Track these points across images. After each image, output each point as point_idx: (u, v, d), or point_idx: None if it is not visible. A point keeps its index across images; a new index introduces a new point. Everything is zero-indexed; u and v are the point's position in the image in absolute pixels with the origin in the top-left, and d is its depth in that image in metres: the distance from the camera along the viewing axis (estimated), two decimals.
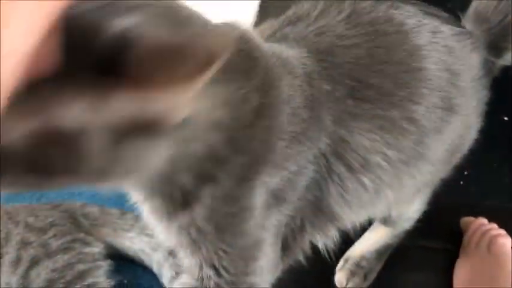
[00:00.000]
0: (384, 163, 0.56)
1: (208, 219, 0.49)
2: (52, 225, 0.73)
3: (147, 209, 0.50)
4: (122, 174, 0.36)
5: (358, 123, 0.54)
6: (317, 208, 0.58)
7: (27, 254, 0.70)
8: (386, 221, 0.76)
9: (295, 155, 0.51)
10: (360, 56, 0.53)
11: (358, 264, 0.82)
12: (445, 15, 0.58)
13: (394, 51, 0.53)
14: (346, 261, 0.82)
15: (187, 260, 0.55)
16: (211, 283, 0.54)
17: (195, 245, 0.51)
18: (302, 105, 0.50)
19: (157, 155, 0.37)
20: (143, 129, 0.33)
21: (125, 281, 0.74)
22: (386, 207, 0.65)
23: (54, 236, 0.73)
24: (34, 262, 0.70)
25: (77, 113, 0.29)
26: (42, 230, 0.73)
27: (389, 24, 0.54)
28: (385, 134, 0.55)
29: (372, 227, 0.81)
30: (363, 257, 0.82)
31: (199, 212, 0.48)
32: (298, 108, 0.50)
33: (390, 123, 0.55)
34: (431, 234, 0.79)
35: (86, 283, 0.69)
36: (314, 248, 0.61)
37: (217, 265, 0.53)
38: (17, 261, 0.70)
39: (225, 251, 0.52)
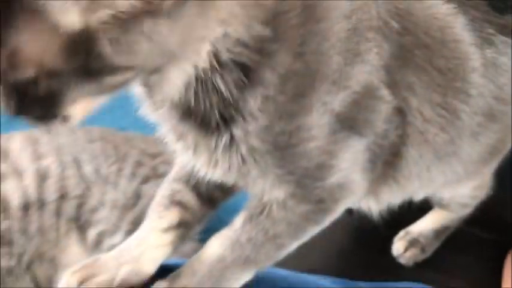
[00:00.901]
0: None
1: (262, 135, 0.47)
2: (161, 153, 0.87)
3: (187, 131, 0.49)
4: (142, 61, 0.39)
5: (418, 85, 0.53)
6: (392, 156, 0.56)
7: (140, 172, 0.87)
8: (440, 204, 0.78)
9: (358, 75, 0.49)
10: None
11: (416, 239, 0.86)
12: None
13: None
14: (406, 233, 0.87)
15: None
16: (273, 209, 0.53)
17: (246, 166, 0.49)
18: (366, 27, 0.49)
19: (170, 35, 0.38)
20: (145, 12, 0.35)
21: None
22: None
23: (162, 162, 0.87)
24: (145, 180, 0.86)
25: (76, 14, 0.34)
26: (155, 156, 0.89)
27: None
28: (440, 110, 0.55)
29: (431, 211, 0.84)
30: (421, 234, 0.86)
31: (251, 126, 0.46)
32: (360, 27, 0.48)
33: (442, 107, 0.55)
34: (485, 223, 0.80)
35: None
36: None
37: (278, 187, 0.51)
38: (131, 177, 0.86)
39: (286, 172, 0.50)
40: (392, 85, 0.52)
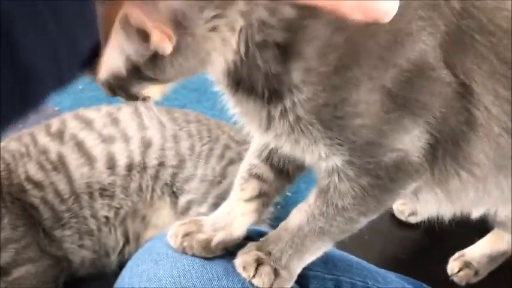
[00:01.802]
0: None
1: (308, 106, 0.47)
2: (245, 142, 0.94)
3: (246, 105, 0.50)
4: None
5: (478, 73, 0.51)
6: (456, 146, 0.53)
7: (227, 155, 0.96)
8: (495, 222, 0.77)
9: (409, 53, 0.47)
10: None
11: (470, 263, 0.88)
12: None
13: None
14: (461, 255, 0.90)
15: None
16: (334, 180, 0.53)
17: (294, 135, 0.50)
18: (421, 4, 0.47)
19: (190, 54, 0.42)
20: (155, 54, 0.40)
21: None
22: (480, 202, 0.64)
23: (246, 150, 0.92)
24: (230, 162, 0.95)
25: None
26: (240, 143, 0.97)
27: None
28: (506, 106, 0.52)
29: (490, 233, 0.87)
30: (475, 259, 0.88)
31: (297, 98, 0.47)
32: (414, 4, 0.47)
33: (508, 101, 0.52)
34: None
35: None
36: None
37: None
38: (220, 157, 0.95)
39: (336, 143, 0.50)
40: (452, 67, 0.50)
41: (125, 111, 0.97)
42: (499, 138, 0.54)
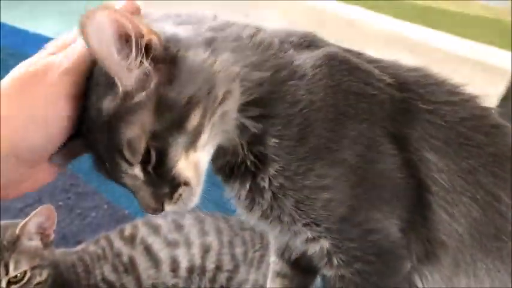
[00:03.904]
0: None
1: (280, 177, 0.54)
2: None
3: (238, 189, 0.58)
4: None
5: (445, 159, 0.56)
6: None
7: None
8: None
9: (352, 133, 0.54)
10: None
11: None
12: None
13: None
14: None
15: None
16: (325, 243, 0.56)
17: (274, 211, 0.56)
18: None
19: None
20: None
21: None
22: None
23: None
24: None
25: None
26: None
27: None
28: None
29: None
30: None
31: (273, 168, 0.54)
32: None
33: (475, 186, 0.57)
34: None
35: None
36: None
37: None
38: None
39: (311, 221, 0.55)
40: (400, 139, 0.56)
41: (188, 216, 1.10)
42: (465, 208, 0.57)
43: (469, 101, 0.61)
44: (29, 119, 0.51)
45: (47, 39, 0.57)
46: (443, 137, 0.57)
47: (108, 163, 0.52)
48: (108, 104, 0.50)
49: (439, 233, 0.57)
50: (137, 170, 0.52)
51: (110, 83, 0.49)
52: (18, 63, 0.54)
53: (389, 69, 0.59)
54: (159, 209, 0.54)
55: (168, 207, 0.54)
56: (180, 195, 0.53)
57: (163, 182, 0.53)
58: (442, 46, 1.67)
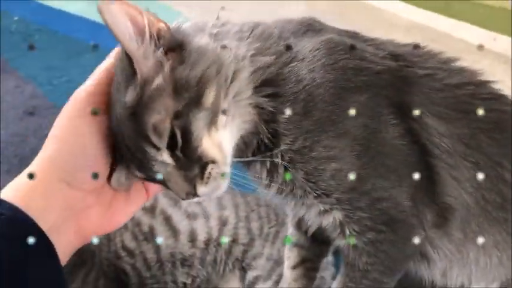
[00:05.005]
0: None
1: (291, 152, 0.57)
2: None
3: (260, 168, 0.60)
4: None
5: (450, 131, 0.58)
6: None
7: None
8: None
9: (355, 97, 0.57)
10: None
11: None
12: None
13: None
14: None
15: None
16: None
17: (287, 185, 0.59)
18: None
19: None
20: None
21: None
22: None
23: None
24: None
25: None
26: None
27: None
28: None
29: None
30: None
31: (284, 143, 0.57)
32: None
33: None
34: None
35: None
36: None
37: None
38: None
39: (322, 193, 0.57)
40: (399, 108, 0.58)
41: None
42: (468, 173, 0.60)
43: (466, 70, 0.64)
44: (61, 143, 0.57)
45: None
46: (443, 101, 0.59)
47: (138, 153, 0.54)
48: (130, 94, 0.53)
49: (446, 196, 0.59)
50: (166, 156, 0.54)
51: (129, 76, 0.53)
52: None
53: (382, 46, 0.62)
54: (192, 192, 0.55)
55: (201, 188, 0.55)
56: (210, 173, 0.55)
57: (192, 163, 0.55)
58: (464, 36, 1.66)
